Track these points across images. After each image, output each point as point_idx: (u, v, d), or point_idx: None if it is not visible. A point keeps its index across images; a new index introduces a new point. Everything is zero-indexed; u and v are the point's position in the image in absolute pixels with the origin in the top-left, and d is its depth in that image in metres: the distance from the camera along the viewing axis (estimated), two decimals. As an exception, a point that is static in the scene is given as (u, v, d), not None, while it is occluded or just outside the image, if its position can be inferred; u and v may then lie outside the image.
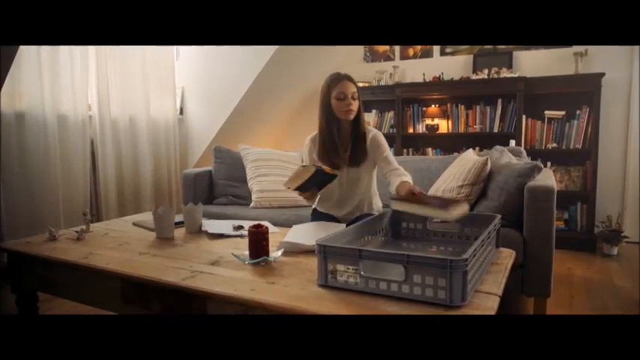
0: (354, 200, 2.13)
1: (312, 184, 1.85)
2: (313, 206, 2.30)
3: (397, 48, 4.36)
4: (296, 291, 1.23)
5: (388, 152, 2.08)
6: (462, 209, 1.51)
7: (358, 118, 2.05)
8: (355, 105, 2.01)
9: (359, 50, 4.53)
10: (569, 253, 3.38)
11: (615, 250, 3.31)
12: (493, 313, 1.09)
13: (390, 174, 2.00)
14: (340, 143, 2.07)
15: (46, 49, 2.72)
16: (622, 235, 3.31)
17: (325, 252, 1.25)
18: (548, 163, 3.63)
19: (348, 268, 1.23)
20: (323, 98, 2.03)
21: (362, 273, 1.20)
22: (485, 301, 1.14)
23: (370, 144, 2.07)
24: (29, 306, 1.89)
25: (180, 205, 3.51)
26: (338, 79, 2.01)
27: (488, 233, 1.43)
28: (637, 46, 3.43)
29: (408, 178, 1.93)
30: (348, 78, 2.01)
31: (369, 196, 2.17)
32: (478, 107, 3.86)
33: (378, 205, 2.20)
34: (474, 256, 1.19)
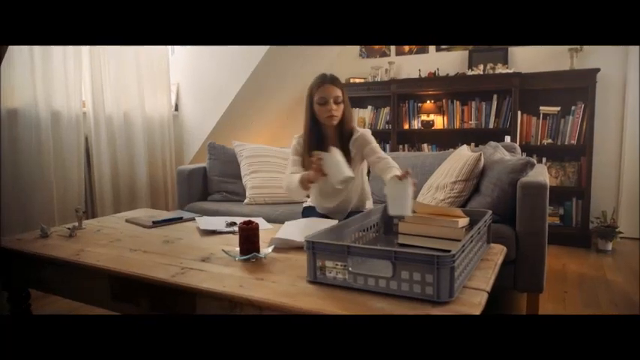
0: (347, 199, 2.09)
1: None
2: (304, 204, 2.30)
3: (393, 44, 4.36)
4: (284, 287, 1.23)
5: (374, 145, 2.01)
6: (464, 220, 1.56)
7: (343, 123, 1.98)
8: (338, 110, 1.93)
9: (354, 46, 4.52)
10: (564, 248, 3.39)
11: (610, 246, 3.32)
12: (481, 309, 1.09)
13: (378, 167, 1.93)
14: (325, 148, 2.00)
15: (38, 46, 2.70)
16: (617, 230, 3.32)
17: (314, 248, 1.25)
18: (544, 159, 3.63)
19: (336, 264, 1.23)
20: (307, 102, 1.98)
21: (350, 269, 1.20)
22: (473, 297, 1.14)
23: (355, 144, 2.00)
24: (21, 303, 1.89)
25: (175, 202, 3.51)
26: (321, 83, 1.92)
27: (479, 229, 1.43)
28: (632, 42, 3.42)
29: (397, 170, 1.83)
30: (332, 81, 1.93)
31: (359, 197, 2.13)
32: (473, 103, 3.86)
33: (370, 206, 2.18)
34: (463, 252, 1.19)
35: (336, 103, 1.92)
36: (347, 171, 1.71)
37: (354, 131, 2.04)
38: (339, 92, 1.93)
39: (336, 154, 1.72)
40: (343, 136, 2.00)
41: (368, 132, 2.06)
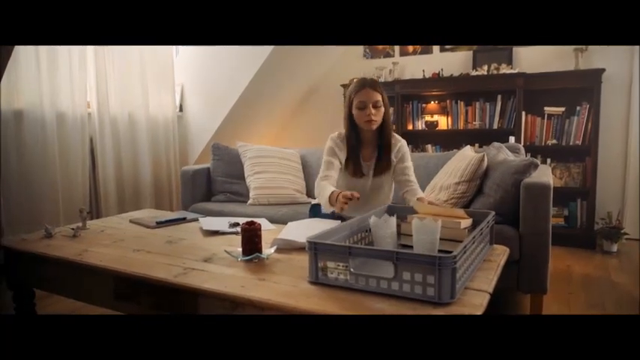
0: (374, 207, 2.10)
1: None
2: (312, 202, 2.29)
3: (397, 44, 4.35)
4: (286, 288, 1.23)
5: (409, 164, 2.06)
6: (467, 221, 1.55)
7: (383, 127, 1.98)
8: (378, 114, 1.92)
9: (358, 47, 4.51)
10: (569, 249, 3.37)
11: (615, 247, 3.29)
12: (482, 310, 1.08)
13: (407, 191, 2.01)
14: (364, 152, 2.03)
15: (43, 46, 2.72)
16: (622, 231, 3.29)
17: (316, 249, 1.25)
18: (548, 160, 3.61)
19: (338, 265, 1.23)
20: (346, 106, 1.99)
21: (352, 270, 1.20)
22: (475, 298, 1.14)
23: (398, 155, 2.04)
24: (26, 302, 1.90)
25: (179, 202, 3.52)
26: (360, 87, 1.92)
27: (481, 230, 1.42)
28: (638, 42, 3.40)
29: (422, 195, 1.97)
30: (372, 85, 1.92)
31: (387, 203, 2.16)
32: (477, 103, 3.84)
33: None
34: (464, 253, 1.19)
35: (375, 107, 1.91)
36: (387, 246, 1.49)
37: (395, 139, 2.06)
38: (378, 96, 1.92)
39: (387, 228, 1.49)
40: (383, 141, 2.01)
41: (406, 146, 2.08)
